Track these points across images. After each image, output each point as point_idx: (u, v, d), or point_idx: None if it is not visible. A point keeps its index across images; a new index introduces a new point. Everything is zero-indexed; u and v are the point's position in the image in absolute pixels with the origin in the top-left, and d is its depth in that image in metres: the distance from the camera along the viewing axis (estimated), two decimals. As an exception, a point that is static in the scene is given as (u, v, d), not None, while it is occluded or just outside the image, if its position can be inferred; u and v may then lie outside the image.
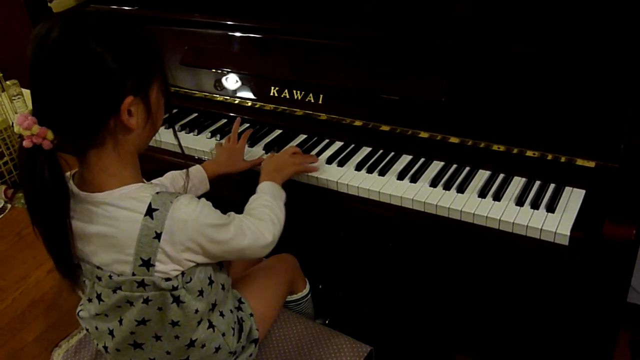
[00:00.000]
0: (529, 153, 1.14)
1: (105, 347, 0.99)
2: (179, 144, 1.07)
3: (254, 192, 1.13)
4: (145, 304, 0.90)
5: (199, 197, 0.93)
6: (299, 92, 1.38)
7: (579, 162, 1.09)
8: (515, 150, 1.16)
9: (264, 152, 1.37)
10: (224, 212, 0.98)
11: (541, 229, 1.03)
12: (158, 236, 0.85)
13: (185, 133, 1.49)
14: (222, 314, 1.02)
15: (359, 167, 1.26)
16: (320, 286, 1.67)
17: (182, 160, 1.29)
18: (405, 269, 1.56)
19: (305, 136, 1.40)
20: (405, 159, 1.27)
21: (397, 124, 1.28)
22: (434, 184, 1.18)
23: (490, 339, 1.55)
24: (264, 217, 1.02)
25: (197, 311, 0.94)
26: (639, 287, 1.57)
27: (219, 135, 1.44)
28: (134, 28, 0.86)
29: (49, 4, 2.11)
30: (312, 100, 1.36)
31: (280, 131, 1.44)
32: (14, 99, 2.62)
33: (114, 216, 0.87)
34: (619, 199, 1.02)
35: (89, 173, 0.88)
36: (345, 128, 1.34)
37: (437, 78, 1.23)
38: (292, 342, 1.20)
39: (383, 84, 1.29)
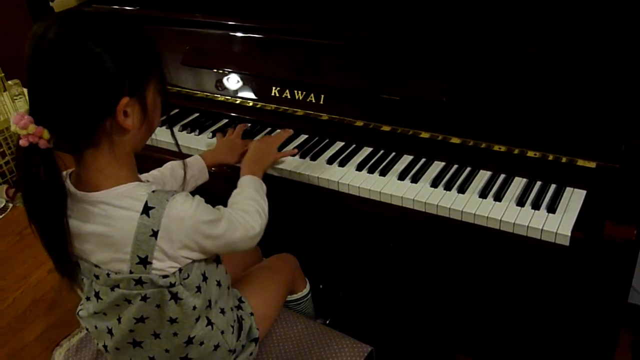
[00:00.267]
0: (530, 153, 1.14)
1: (105, 347, 1.00)
2: (176, 144, 1.07)
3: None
4: (143, 302, 0.90)
5: (195, 192, 0.94)
6: (300, 92, 1.38)
7: (580, 162, 1.09)
8: (516, 151, 1.16)
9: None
10: (213, 205, 0.98)
11: (542, 230, 1.03)
12: (155, 234, 0.86)
13: (187, 133, 1.49)
14: (222, 311, 1.02)
15: (360, 167, 1.26)
16: (321, 286, 1.67)
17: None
18: (406, 269, 1.56)
19: (306, 136, 1.40)
20: (406, 159, 1.27)
21: (398, 124, 1.28)
22: (434, 184, 1.18)
23: (490, 339, 1.55)
24: (249, 209, 1.03)
25: (195, 307, 0.94)
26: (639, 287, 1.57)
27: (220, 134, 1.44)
28: (131, 28, 0.86)
29: (50, 4, 2.11)
30: (313, 101, 1.36)
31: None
32: (16, 99, 2.62)
33: (111, 215, 0.87)
34: (620, 199, 1.02)
35: (85, 172, 0.89)
36: (346, 128, 1.34)
37: (438, 78, 1.23)
38: (292, 341, 1.20)
39: (384, 84, 1.29)
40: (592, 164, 1.08)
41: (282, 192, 1.30)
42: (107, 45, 0.81)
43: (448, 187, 1.16)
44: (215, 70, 1.52)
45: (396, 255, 1.54)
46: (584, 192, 1.10)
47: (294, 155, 1.33)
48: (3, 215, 2.54)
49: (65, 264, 0.92)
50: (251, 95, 1.47)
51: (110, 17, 0.85)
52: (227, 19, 1.48)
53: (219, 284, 1.01)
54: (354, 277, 1.70)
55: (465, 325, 1.56)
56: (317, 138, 1.39)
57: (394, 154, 1.29)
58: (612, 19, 1.12)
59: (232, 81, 1.50)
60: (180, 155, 1.24)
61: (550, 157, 1.12)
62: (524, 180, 1.16)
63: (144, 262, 0.87)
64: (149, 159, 1.42)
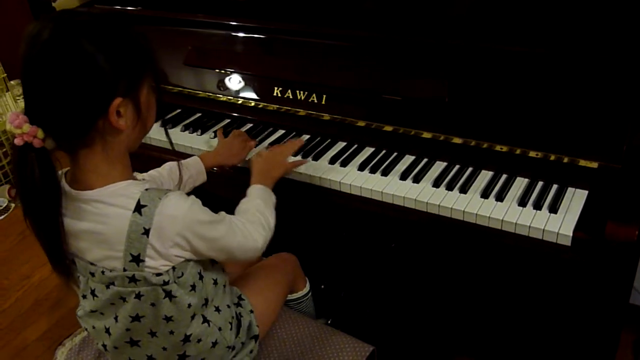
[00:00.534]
0: (532, 154, 1.14)
1: (104, 346, 1.00)
2: (170, 142, 1.08)
3: (243, 188, 1.13)
4: (137, 300, 0.91)
5: (192, 192, 0.94)
6: (302, 92, 1.38)
7: (582, 162, 1.09)
8: (518, 151, 1.16)
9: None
10: (215, 210, 0.98)
11: (544, 230, 1.03)
12: (147, 232, 0.86)
13: (189, 133, 1.49)
14: (217, 309, 1.02)
15: (361, 167, 1.26)
16: (322, 286, 1.67)
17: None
18: (407, 270, 1.56)
19: (308, 136, 1.41)
20: (408, 159, 1.28)
21: (400, 124, 1.28)
22: (436, 184, 1.18)
23: (491, 339, 1.55)
24: (254, 220, 1.03)
25: (189, 305, 0.94)
26: (641, 288, 1.57)
27: (222, 130, 1.44)
28: (125, 28, 0.86)
29: (52, 4, 2.12)
30: (315, 101, 1.37)
31: (284, 131, 1.44)
32: (18, 99, 2.63)
33: (104, 213, 0.87)
34: (622, 199, 1.02)
35: (79, 172, 0.89)
36: (348, 128, 1.35)
37: (440, 78, 1.23)
38: (293, 341, 1.21)
39: (386, 84, 1.29)
40: (594, 165, 1.08)
41: (283, 191, 1.29)
42: (100, 45, 0.81)
43: (450, 187, 1.17)
44: (217, 71, 1.52)
45: (398, 255, 1.54)
46: (586, 192, 1.10)
47: (305, 162, 1.30)
48: (5, 215, 2.55)
49: (60, 262, 0.92)
50: (253, 95, 1.47)
51: (105, 17, 0.85)
52: (229, 19, 1.49)
53: (215, 282, 1.01)
54: (355, 277, 1.70)
55: (466, 325, 1.56)
56: (318, 138, 1.39)
57: (395, 154, 1.29)
58: (614, 19, 1.12)
59: (234, 81, 1.50)
60: (174, 154, 1.24)
61: (552, 158, 1.12)
62: (526, 180, 1.16)
63: (137, 260, 0.87)
64: (150, 158, 1.43)
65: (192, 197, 0.93)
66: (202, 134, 1.48)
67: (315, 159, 1.31)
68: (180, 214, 0.88)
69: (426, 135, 1.25)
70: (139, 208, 0.86)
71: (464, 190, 1.15)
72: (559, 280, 1.15)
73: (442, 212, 1.13)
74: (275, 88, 1.42)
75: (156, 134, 1.41)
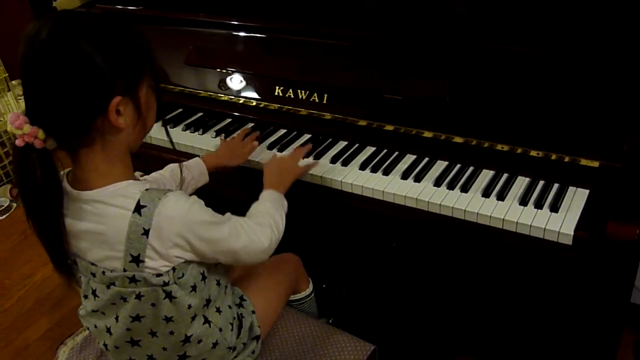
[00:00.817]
0: (533, 153, 1.14)
1: (105, 345, 1.00)
2: (171, 141, 1.08)
3: (247, 188, 1.13)
4: (138, 300, 0.91)
5: (194, 193, 0.94)
6: (303, 91, 1.38)
7: (583, 162, 1.10)
8: (519, 150, 1.16)
9: (267, 150, 1.37)
10: (222, 212, 0.98)
11: (545, 229, 1.03)
12: (146, 232, 0.86)
13: (190, 132, 1.49)
14: (218, 310, 1.02)
15: (363, 167, 1.26)
16: (324, 285, 1.67)
17: (184, 159, 1.30)
18: (409, 269, 1.56)
19: (309, 135, 1.41)
20: (409, 158, 1.28)
21: (401, 123, 1.28)
22: (437, 183, 1.18)
23: (492, 339, 1.55)
24: (263, 222, 1.02)
25: (190, 306, 0.94)
26: (642, 287, 1.57)
27: (223, 135, 1.45)
28: (124, 28, 0.86)
29: (53, 4, 2.12)
30: (317, 100, 1.37)
31: (285, 130, 1.44)
32: (20, 99, 2.63)
33: (104, 213, 0.88)
34: (623, 199, 1.02)
35: (80, 171, 0.89)
36: (349, 128, 1.35)
37: (441, 78, 1.23)
38: (295, 340, 1.21)
39: (387, 84, 1.30)
40: (595, 164, 1.08)
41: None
42: (98, 45, 0.81)
43: (451, 187, 1.17)
44: (218, 70, 1.52)
45: (399, 254, 1.54)
46: (587, 191, 1.10)
47: (316, 164, 1.29)
48: (7, 214, 2.56)
49: (62, 262, 0.93)
50: (254, 94, 1.47)
51: (103, 17, 0.86)
52: (231, 18, 1.49)
53: (218, 283, 1.01)
54: (356, 276, 1.70)
55: (467, 324, 1.56)
56: (320, 137, 1.39)
57: (397, 153, 1.29)
58: (615, 19, 1.12)
59: (236, 81, 1.50)
60: (175, 154, 1.24)
61: (553, 157, 1.13)
62: (527, 179, 1.16)
63: (137, 260, 0.87)
64: (150, 158, 1.43)
65: (194, 197, 0.93)
66: (203, 133, 1.48)
67: (317, 158, 1.32)
68: (179, 214, 0.88)
69: (427, 134, 1.25)
70: (138, 208, 0.86)
71: (465, 189, 1.15)
72: (560, 279, 1.15)
73: (443, 212, 1.13)
74: (277, 87, 1.42)
75: (157, 134, 1.42)
